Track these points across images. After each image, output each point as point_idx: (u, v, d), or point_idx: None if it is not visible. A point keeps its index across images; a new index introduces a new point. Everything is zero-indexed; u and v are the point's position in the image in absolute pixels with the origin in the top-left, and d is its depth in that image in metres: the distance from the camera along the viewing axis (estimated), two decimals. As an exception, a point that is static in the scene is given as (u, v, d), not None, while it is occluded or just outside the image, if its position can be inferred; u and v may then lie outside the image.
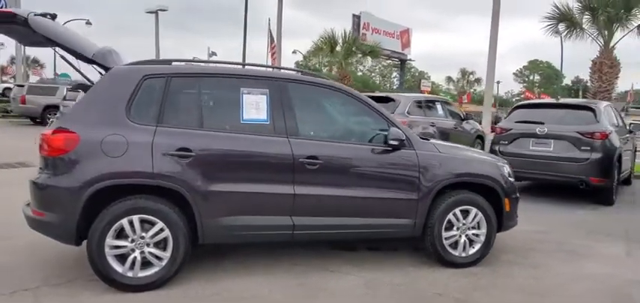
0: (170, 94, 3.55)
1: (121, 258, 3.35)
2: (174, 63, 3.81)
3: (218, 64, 4.12)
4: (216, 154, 3.54)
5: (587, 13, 13.28)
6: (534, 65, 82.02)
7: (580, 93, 62.08)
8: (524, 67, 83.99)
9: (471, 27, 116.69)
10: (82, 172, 3.26)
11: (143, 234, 3.36)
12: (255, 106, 3.71)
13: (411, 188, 3.95)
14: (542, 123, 7.22)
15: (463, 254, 4.12)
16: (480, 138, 11.57)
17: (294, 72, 4.16)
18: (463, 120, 11.12)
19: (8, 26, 3.51)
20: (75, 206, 3.24)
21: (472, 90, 63.66)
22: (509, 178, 4.33)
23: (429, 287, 3.69)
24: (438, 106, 10.55)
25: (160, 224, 3.37)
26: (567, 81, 75.48)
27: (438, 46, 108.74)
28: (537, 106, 8.20)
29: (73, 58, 3.72)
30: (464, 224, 4.10)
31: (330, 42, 18.65)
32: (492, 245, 4.22)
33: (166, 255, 3.41)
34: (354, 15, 31.19)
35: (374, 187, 3.90)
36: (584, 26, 13.69)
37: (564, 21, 13.82)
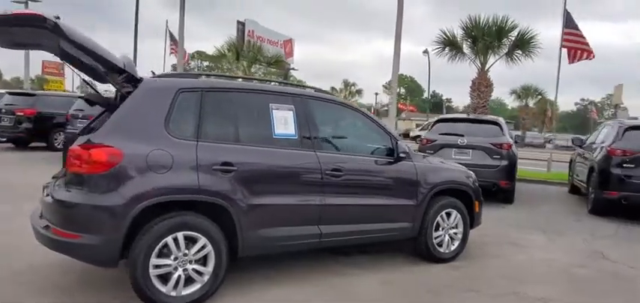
0: (205, 108, 3.54)
1: (162, 277, 3.25)
2: (202, 77, 3.79)
3: (245, 80, 4.15)
4: (255, 168, 3.62)
5: (469, 40, 15.50)
6: (400, 79, 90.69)
7: (443, 106, 70.34)
8: (391, 80, 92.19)
9: (346, 40, 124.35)
10: (128, 190, 3.10)
11: (186, 251, 3.30)
12: (283, 122, 3.87)
13: (412, 195, 4.48)
14: (462, 135, 8.44)
15: (447, 251, 4.78)
16: None
17: (311, 89, 4.36)
18: None
19: (34, 31, 3.15)
20: (120, 226, 3.07)
21: (354, 100, 67.60)
22: (476, 185, 5.13)
23: (434, 280, 4.24)
24: None
25: (203, 240, 3.35)
26: (426, 95, 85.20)
27: (317, 56, 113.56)
28: (455, 120, 9.46)
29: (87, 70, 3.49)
30: (447, 224, 4.77)
31: (235, 49, 18.51)
32: (467, 241, 4.96)
33: (208, 270, 3.39)
34: (238, 22, 31.18)
35: (384, 195, 4.34)
36: (465, 51, 15.95)
37: (450, 46, 15.91)
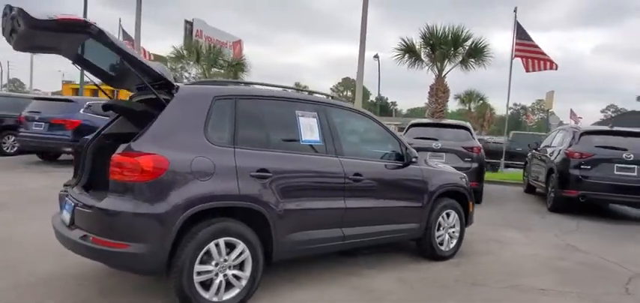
0: (239, 115, 3.60)
1: (203, 284, 3.27)
2: (230, 85, 3.84)
3: (271, 87, 4.21)
4: (288, 174, 3.72)
5: (427, 48, 16.26)
6: (347, 83, 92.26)
7: (389, 109, 72.11)
8: (338, 83, 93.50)
9: (291, 41, 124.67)
10: (175, 197, 3.10)
11: (226, 257, 3.35)
12: (309, 128, 4.00)
13: (419, 197, 4.76)
14: (436, 139, 8.91)
15: (447, 249, 5.12)
16: None
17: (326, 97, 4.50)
18: None
19: (71, 36, 3.06)
20: (168, 234, 3.07)
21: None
22: (469, 186, 5.52)
23: (442, 277, 4.53)
24: None
25: (242, 245, 3.41)
26: (372, 98, 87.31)
27: (264, 58, 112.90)
28: (428, 125, 9.93)
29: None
30: (447, 224, 5.10)
31: (196, 50, 18.13)
32: (463, 239, 5.32)
33: (246, 275, 3.45)
34: (186, 21, 30.52)
35: (397, 198, 4.58)
36: (423, 58, 16.70)
37: (409, 52, 16.60)
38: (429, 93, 16.69)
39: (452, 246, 5.17)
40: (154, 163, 3.07)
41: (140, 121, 4.28)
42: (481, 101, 42.34)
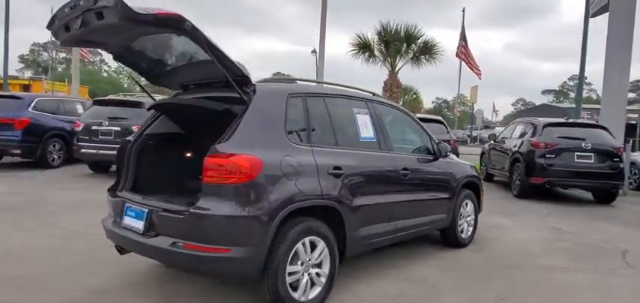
0: (310, 113, 3.58)
1: (291, 284, 3.24)
2: (297, 81, 3.80)
3: (329, 84, 4.19)
4: (356, 170, 3.76)
5: (382, 44, 16.82)
6: (278, 76, 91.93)
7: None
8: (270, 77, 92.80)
9: (220, 36, 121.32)
10: (272, 198, 3.04)
11: (310, 256, 3.34)
12: (365, 125, 4.08)
13: (449, 188, 5.02)
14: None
15: (466, 237, 5.44)
16: None
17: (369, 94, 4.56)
18: None
19: (170, 32, 2.87)
20: (267, 235, 3.01)
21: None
22: (480, 176, 5.89)
23: (473, 262, 4.83)
24: None
25: (322, 243, 3.41)
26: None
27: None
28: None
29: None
30: (466, 213, 5.42)
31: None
32: (477, 227, 5.68)
33: (325, 272, 3.46)
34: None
35: (432, 190, 4.80)
36: (376, 54, 17.25)
37: (364, 48, 17.06)
38: (383, 88, 17.25)
39: (469, 233, 5.50)
40: (251, 164, 2.98)
41: (185, 121, 4.09)
42: (414, 95, 44.43)
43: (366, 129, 4.06)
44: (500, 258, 5.05)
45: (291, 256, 3.17)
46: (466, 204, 5.39)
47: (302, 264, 3.28)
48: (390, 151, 4.24)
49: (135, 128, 9.12)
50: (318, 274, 3.41)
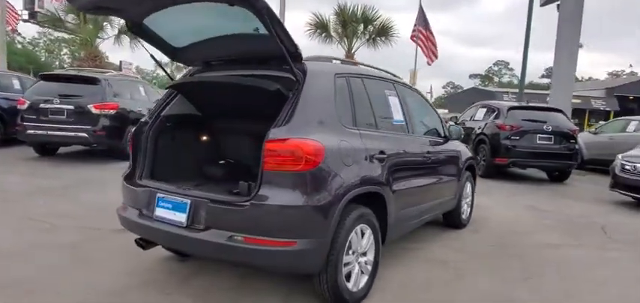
0: (353, 94, 3.41)
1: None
2: (334, 60, 3.59)
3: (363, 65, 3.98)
4: (396, 155, 3.65)
5: (339, 25, 16.70)
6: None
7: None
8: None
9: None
10: (334, 186, 2.86)
11: (360, 244, 3.21)
12: (395, 108, 3.97)
13: (457, 171, 5.08)
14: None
15: (465, 218, 5.57)
16: None
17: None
18: None
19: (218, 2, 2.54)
20: (330, 225, 2.83)
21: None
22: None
23: (478, 244, 4.94)
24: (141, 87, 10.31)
25: (369, 230, 3.29)
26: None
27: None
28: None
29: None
30: (466, 194, 5.54)
31: (82, 15, 15.47)
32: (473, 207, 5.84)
33: (370, 260, 3.35)
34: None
35: (446, 172, 4.81)
36: (333, 35, 17.13)
37: (321, 28, 16.86)
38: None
39: (467, 215, 5.64)
40: (315, 150, 2.76)
41: (206, 102, 3.75)
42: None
43: (397, 112, 3.96)
44: (498, 238, 5.22)
45: (346, 245, 3.02)
46: (466, 185, 5.50)
47: (353, 253, 3.14)
48: (416, 134, 4.19)
49: (92, 107, 8.38)
50: (366, 263, 3.29)
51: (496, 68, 78.81)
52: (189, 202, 2.89)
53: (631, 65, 65.74)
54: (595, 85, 39.59)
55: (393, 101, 3.96)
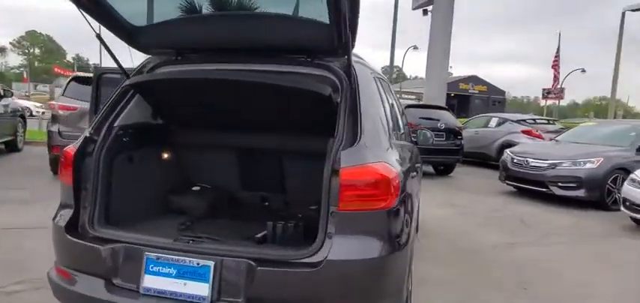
0: (383, 100, 2.78)
1: None
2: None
3: None
4: (410, 169, 3.14)
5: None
6: (34, 37, 75.59)
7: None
8: (21, 37, 75.58)
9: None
10: (407, 223, 2.24)
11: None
12: (400, 113, 3.46)
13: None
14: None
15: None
16: (22, 117, 10.36)
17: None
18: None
19: None
20: (407, 277, 2.16)
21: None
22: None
23: (435, 247, 4.84)
24: None
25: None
26: (69, 57, 76.07)
27: None
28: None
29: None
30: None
31: None
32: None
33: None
34: None
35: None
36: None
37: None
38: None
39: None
40: (396, 179, 2.05)
41: (162, 104, 2.69)
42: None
43: (402, 118, 3.47)
44: (449, 241, 5.15)
45: None
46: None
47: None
48: (408, 142, 3.75)
49: None
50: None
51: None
52: (212, 264, 1.90)
53: (451, 66, 77.31)
54: (423, 83, 45.43)
55: (397, 106, 3.44)
